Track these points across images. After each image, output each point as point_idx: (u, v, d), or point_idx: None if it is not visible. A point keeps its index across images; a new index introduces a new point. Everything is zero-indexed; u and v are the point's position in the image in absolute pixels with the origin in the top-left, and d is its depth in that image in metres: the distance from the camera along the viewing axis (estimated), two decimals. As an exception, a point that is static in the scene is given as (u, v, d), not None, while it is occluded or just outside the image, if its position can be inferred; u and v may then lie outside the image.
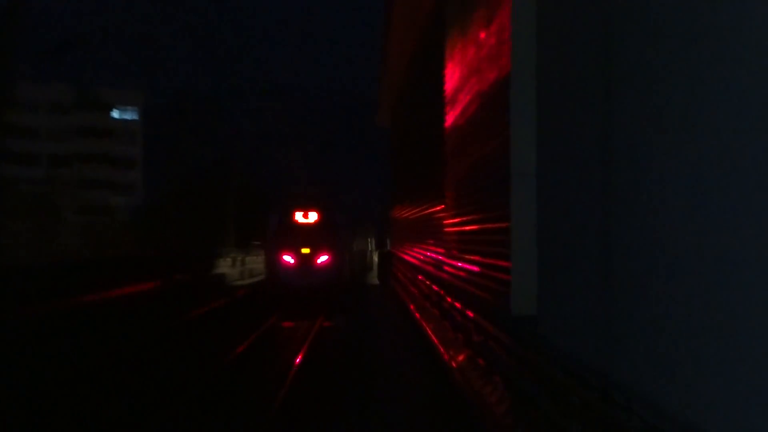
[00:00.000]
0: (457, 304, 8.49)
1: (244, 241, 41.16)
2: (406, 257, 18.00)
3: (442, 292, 10.13)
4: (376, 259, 34.09)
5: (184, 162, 41.49)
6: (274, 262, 21.01)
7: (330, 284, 20.98)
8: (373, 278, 30.69)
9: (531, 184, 5.63)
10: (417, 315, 12.63)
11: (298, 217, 21.46)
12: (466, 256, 8.16)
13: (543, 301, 5.29)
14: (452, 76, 9.53)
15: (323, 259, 20.86)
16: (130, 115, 64.30)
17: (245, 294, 23.40)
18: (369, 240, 39.11)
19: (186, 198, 40.08)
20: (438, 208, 11.14)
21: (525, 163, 5.75)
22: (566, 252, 4.65)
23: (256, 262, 37.48)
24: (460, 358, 7.70)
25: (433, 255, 11.70)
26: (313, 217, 21.56)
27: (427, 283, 12.21)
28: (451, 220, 9.54)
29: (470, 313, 7.55)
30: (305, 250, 20.76)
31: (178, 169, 41.17)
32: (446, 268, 9.75)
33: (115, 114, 63.73)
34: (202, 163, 43.11)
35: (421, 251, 14.00)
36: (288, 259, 20.74)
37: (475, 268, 7.53)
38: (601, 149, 3.93)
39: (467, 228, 8.26)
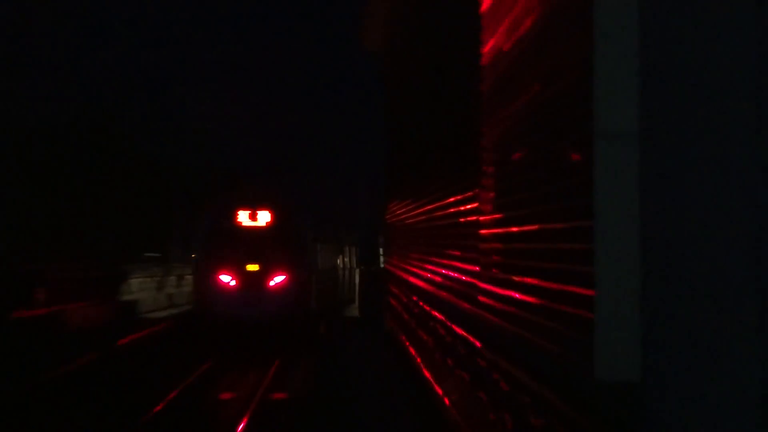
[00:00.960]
0: (502, 362, 8.49)
1: (135, 251, 41.37)
2: (412, 279, 18.06)
3: (474, 341, 10.14)
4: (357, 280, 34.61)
5: (24, 117, 41.42)
6: (206, 285, 22.39)
7: (288, 318, 21.87)
8: (355, 310, 31.13)
9: (630, 153, 5.57)
10: (430, 377, 12.62)
11: (243, 217, 22.96)
12: (516, 278, 8.15)
13: (653, 358, 5.24)
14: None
15: (279, 280, 22.18)
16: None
17: (131, 343, 23.67)
18: (351, 252, 39.66)
19: (28, 177, 40.14)
20: (465, 195, 11.17)
21: (618, 116, 5.70)
22: (696, 273, 4.59)
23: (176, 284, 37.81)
24: (507, 454, 7.69)
25: (459, 276, 11.72)
26: (264, 217, 22.91)
27: (448, 324, 12.25)
28: (488, 217, 9.54)
29: (524, 377, 7.54)
30: (252, 267, 22.19)
31: (14, 130, 41.09)
32: (482, 298, 9.76)
33: None
34: (58, 119, 43.13)
35: (438, 269, 14.03)
36: (227, 279, 22.02)
37: (532, 299, 7.52)
38: (755, 90, 3.89)
39: (517, 229, 8.25)
